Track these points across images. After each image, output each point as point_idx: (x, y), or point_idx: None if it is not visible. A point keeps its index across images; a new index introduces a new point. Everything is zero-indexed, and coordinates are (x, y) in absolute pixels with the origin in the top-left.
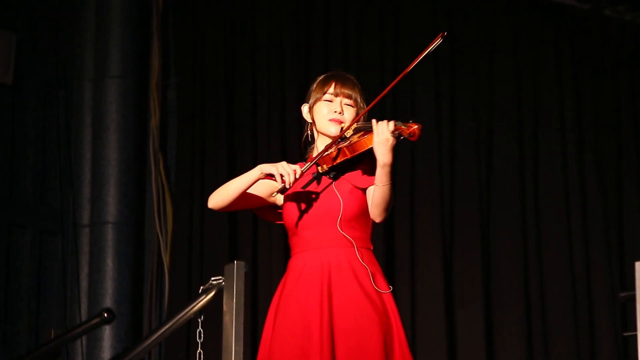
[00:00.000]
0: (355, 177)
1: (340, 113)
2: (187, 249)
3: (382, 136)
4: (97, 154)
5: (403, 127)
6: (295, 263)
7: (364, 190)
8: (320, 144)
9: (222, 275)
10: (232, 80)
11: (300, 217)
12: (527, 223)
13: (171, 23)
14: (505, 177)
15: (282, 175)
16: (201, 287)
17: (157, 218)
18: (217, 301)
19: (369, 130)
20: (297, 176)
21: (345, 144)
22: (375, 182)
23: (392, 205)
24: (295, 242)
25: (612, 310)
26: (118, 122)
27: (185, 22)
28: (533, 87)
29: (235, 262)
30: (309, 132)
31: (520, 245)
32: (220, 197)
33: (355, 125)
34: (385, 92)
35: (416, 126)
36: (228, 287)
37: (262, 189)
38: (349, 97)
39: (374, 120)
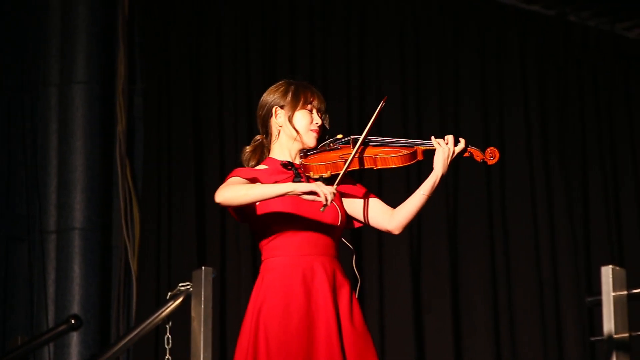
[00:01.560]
0: (348, 190)
1: (320, 126)
2: (155, 254)
3: (449, 154)
4: (64, 159)
5: (477, 150)
6: (283, 266)
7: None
8: (290, 149)
9: (190, 281)
10: (198, 85)
11: (290, 221)
12: (494, 228)
13: (137, 29)
14: (472, 183)
15: (325, 194)
16: (169, 293)
17: (124, 224)
18: (185, 307)
19: (397, 145)
20: (335, 192)
21: (369, 154)
22: (421, 190)
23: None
24: (280, 246)
25: (579, 315)
26: (84, 127)
27: (150, 27)
28: (498, 91)
29: (203, 268)
30: (275, 133)
31: (487, 250)
32: (236, 197)
33: (355, 140)
34: (347, 165)
35: (493, 148)
36: (196, 293)
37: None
38: (324, 112)
39: (433, 138)
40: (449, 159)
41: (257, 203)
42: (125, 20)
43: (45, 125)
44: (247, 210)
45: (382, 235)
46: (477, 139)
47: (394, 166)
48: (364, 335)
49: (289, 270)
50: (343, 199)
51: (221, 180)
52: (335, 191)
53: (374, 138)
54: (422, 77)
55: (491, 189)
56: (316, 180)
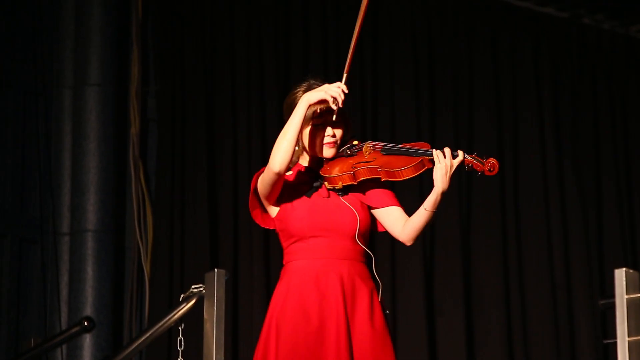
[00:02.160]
0: (368, 196)
1: (333, 136)
2: (168, 257)
3: (448, 169)
4: (77, 162)
5: (476, 161)
6: (301, 270)
7: (370, 208)
8: (311, 158)
9: (203, 284)
10: (212, 87)
11: (309, 226)
12: (507, 231)
13: (150, 31)
14: (485, 186)
15: (333, 97)
16: (182, 295)
17: (137, 226)
18: (197, 309)
19: (405, 154)
20: (346, 90)
21: (376, 165)
22: (425, 206)
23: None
24: (299, 250)
25: (592, 318)
26: (98, 130)
27: (164, 30)
28: (512, 94)
29: (215, 270)
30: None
31: (500, 254)
32: (282, 149)
33: (368, 144)
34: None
35: (493, 160)
36: (209, 295)
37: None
38: (338, 115)
39: (434, 151)
40: (448, 175)
41: (276, 211)
42: (139, 23)
43: (59, 128)
44: (270, 214)
45: (395, 239)
46: (490, 144)
47: (401, 179)
48: (383, 339)
49: (305, 274)
50: (365, 202)
51: (234, 182)
52: (342, 87)
53: (387, 145)
54: (435, 80)
55: (504, 192)
56: (330, 190)
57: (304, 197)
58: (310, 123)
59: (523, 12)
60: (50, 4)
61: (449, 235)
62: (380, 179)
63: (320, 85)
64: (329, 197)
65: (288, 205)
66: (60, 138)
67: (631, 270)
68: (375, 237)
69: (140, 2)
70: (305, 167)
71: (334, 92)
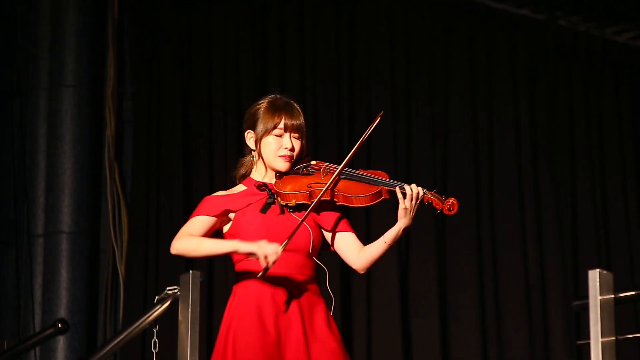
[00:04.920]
0: (322, 218)
1: (290, 149)
2: (143, 258)
3: (411, 208)
4: (52, 163)
5: (435, 198)
6: (254, 286)
7: (322, 228)
8: (265, 172)
9: (178, 285)
10: (188, 89)
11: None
12: (482, 232)
13: (127, 32)
14: (461, 185)
15: (265, 257)
16: (156, 297)
17: (112, 228)
18: (172, 311)
19: (364, 181)
20: (279, 254)
21: (336, 189)
22: (385, 238)
23: None
24: (255, 264)
25: (566, 319)
26: (73, 131)
27: (140, 31)
28: (488, 95)
29: (190, 272)
30: (252, 158)
31: (475, 255)
32: (187, 251)
33: (325, 167)
34: (338, 171)
35: (452, 199)
36: (184, 296)
37: (213, 226)
38: (297, 130)
39: (397, 189)
40: (412, 213)
41: (228, 226)
42: (115, 24)
43: (34, 129)
44: (220, 231)
45: (370, 238)
46: (466, 144)
47: (356, 206)
48: (340, 354)
49: (260, 290)
50: (319, 222)
51: (210, 184)
52: (279, 251)
53: (346, 170)
54: (412, 81)
55: (479, 193)
56: (283, 206)
57: (258, 213)
58: (271, 133)
59: (500, 14)
60: (26, 5)
61: (424, 237)
62: (336, 202)
63: (282, 100)
64: (282, 213)
65: (241, 220)
66: (35, 139)
67: (605, 272)
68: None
69: (116, 4)
70: (258, 182)
71: (267, 251)
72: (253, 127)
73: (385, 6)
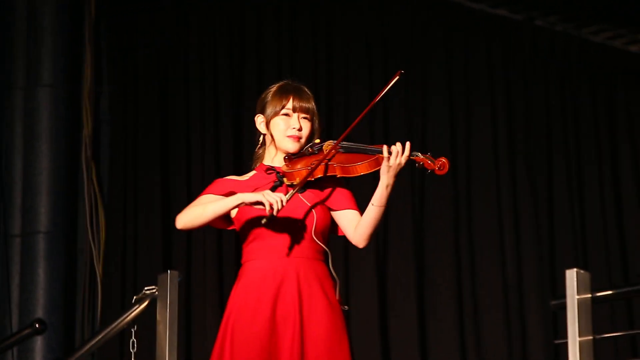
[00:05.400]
0: (326, 196)
1: (299, 129)
2: (120, 258)
3: (396, 165)
4: (29, 163)
5: (426, 159)
6: (257, 270)
7: (329, 209)
8: (274, 155)
9: (156, 285)
10: (165, 89)
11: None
12: (459, 231)
13: (103, 32)
14: (438, 185)
15: (270, 203)
16: (134, 297)
17: (90, 228)
18: (150, 311)
19: (361, 152)
20: (285, 203)
21: (333, 162)
22: (373, 201)
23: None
24: (256, 248)
25: (543, 319)
26: (49, 130)
27: (117, 30)
28: (465, 94)
29: (169, 271)
30: (261, 141)
31: (452, 254)
32: (193, 218)
33: (330, 142)
34: (347, 131)
35: (444, 160)
36: (162, 296)
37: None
38: (306, 111)
39: (385, 147)
40: (396, 171)
41: (235, 211)
42: (92, 23)
43: (11, 128)
44: (226, 218)
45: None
46: (443, 143)
47: (356, 175)
48: (339, 337)
49: (261, 274)
50: (325, 203)
51: (187, 183)
52: (284, 199)
53: (344, 144)
54: (389, 80)
55: (457, 192)
56: (289, 185)
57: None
58: (279, 114)
59: (476, 14)
60: (1, 3)
61: (402, 236)
62: (336, 175)
63: (292, 84)
64: (285, 193)
65: (244, 207)
66: (12, 139)
67: (582, 271)
68: (330, 239)
69: (93, 3)
70: (268, 166)
71: (272, 199)
72: (262, 111)
73: (361, 6)
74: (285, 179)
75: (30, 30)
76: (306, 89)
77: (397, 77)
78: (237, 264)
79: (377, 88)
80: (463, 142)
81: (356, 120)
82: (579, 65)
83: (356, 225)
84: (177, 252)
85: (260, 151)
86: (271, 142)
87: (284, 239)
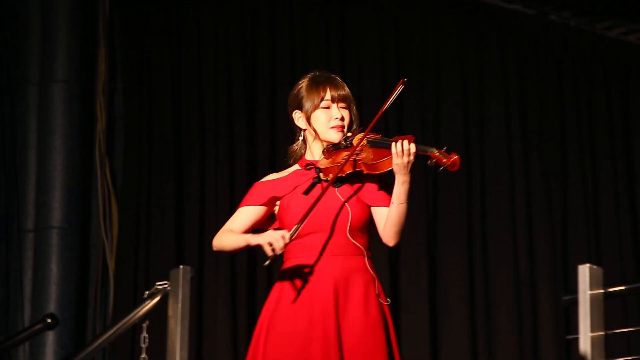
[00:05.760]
0: (364, 192)
1: (341, 119)
2: (133, 254)
3: (404, 159)
4: (43, 158)
5: (440, 155)
6: (295, 268)
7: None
8: (316, 149)
9: (168, 280)
10: (179, 84)
11: (304, 224)
12: (472, 228)
13: (117, 28)
14: (452, 183)
15: (270, 245)
16: (146, 292)
17: (103, 223)
18: (162, 306)
19: (386, 147)
20: (288, 240)
21: (360, 157)
22: (392, 199)
23: (404, 227)
24: (295, 247)
25: (555, 314)
26: (63, 126)
27: (131, 26)
28: (479, 91)
29: (181, 267)
30: (301, 138)
31: (465, 250)
32: (223, 248)
33: (360, 136)
34: (367, 131)
35: (456, 157)
36: (174, 292)
37: (263, 213)
38: (344, 99)
39: (394, 144)
40: (406, 168)
41: (277, 208)
42: (106, 19)
43: (25, 124)
44: (271, 216)
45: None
46: (457, 141)
47: (381, 172)
48: (375, 331)
49: (299, 272)
50: (361, 198)
51: (200, 179)
52: (286, 240)
53: (370, 138)
54: (402, 77)
55: (471, 189)
56: (325, 181)
57: (301, 195)
58: (319, 107)
59: (490, 9)
60: (16, 0)
61: (415, 233)
62: (362, 171)
63: (322, 75)
64: (322, 190)
65: (285, 203)
66: (26, 135)
67: (594, 267)
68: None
69: None
70: (307, 161)
71: (270, 239)
72: (300, 107)
73: (375, 2)
74: (322, 175)
75: (44, 26)
76: (338, 77)
77: (401, 86)
78: (249, 260)
79: (390, 83)
80: (476, 138)
81: (369, 127)
82: (593, 60)
83: (384, 223)
84: (189, 247)
85: (297, 147)
86: (314, 137)
87: (321, 236)
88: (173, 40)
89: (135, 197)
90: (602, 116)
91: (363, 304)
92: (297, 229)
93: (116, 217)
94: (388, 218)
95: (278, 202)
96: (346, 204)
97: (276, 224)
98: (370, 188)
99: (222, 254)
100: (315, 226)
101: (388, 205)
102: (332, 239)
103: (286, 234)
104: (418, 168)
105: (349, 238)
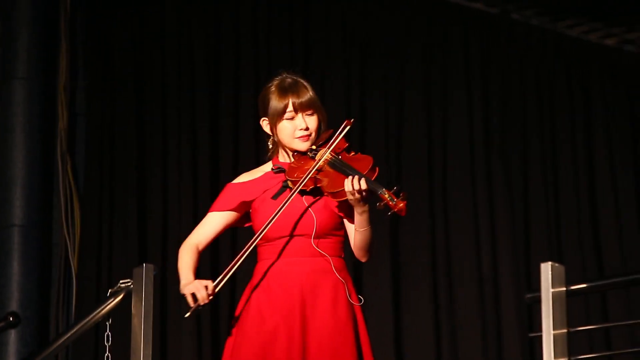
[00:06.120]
0: (333, 201)
1: (306, 129)
2: (96, 252)
3: (356, 195)
4: (3, 156)
5: (388, 198)
6: (264, 269)
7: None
8: (286, 154)
9: (131, 279)
10: (142, 82)
11: (272, 227)
12: (435, 224)
13: (79, 24)
14: (414, 178)
15: (193, 295)
16: (110, 290)
17: (65, 221)
18: (125, 304)
19: (345, 174)
20: (211, 291)
21: (319, 179)
22: (355, 227)
23: (374, 244)
24: (266, 250)
25: (518, 312)
26: (24, 123)
27: (93, 23)
28: (442, 89)
29: (144, 265)
30: (271, 143)
31: (428, 247)
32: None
33: (322, 152)
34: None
35: (402, 204)
36: (137, 290)
37: (231, 219)
38: (309, 106)
39: (346, 181)
40: (361, 201)
41: (251, 210)
42: (68, 15)
43: None
44: (246, 216)
45: None
46: (420, 137)
47: (338, 201)
48: (344, 331)
49: (267, 275)
50: (330, 206)
51: (163, 177)
52: (209, 291)
53: (333, 159)
54: (367, 73)
55: (433, 185)
56: (285, 187)
57: (270, 200)
58: (283, 118)
59: (453, 7)
60: None
61: (377, 229)
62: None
63: (287, 81)
64: (290, 198)
65: (256, 207)
66: None
67: (557, 264)
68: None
69: None
70: (277, 165)
71: (196, 291)
72: (266, 114)
73: None
74: (289, 182)
75: (4, 23)
76: (302, 81)
77: (348, 127)
78: (212, 260)
79: (355, 82)
80: (439, 136)
81: (330, 143)
82: (555, 59)
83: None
84: (152, 246)
85: (270, 152)
86: (278, 141)
87: (289, 240)
88: (136, 37)
89: (98, 194)
90: (563, 114)
91: (331, 306)
92: (221, 280)
93: (78, 215)
94: (355, 242)
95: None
96: (310, 210)
97: (253, 228)
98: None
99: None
100: (283, 230)
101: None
102: (300, 243)
103: (210, 284)
104: (379, 165)
105: (317, 243)
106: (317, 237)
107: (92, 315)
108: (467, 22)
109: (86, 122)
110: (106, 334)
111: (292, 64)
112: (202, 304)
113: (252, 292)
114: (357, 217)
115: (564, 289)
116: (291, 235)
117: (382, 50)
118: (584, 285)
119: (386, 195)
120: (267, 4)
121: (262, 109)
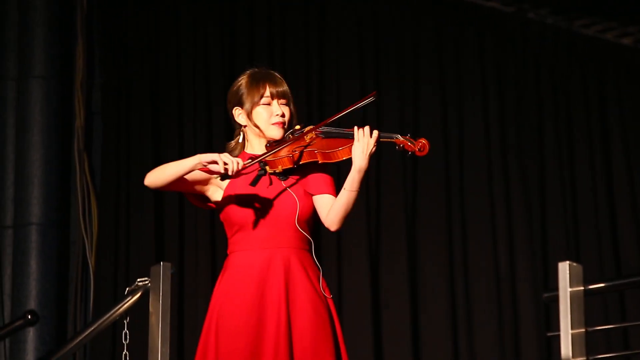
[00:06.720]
0: (308, 182)
1: (282, 115)
2: (113, 250)
3: (364, 140)
4: (21, 154)
5: (405, 140)
6: (242, 261)
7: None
8: (257, 144)
9: (149, 277)
10: (157, 80)
11: (250, 215)
12: (452, 223)
13: (95, 23)
14: (431, 177)
15: (225, 163)
16: (127, 289)
17: (82, 219)
18: (143, 302)
19: (342, 137)
20: (240, 167)
21: (313, 147)
22: (345, 185)
23: (350, 213)
24: (241, 239)
25: (535, 311)
26: (42, 122)
27: (109, 22)
28: (457, 88)
29: (161, 263)
30: (241, 134)
31: (446, 246)
32: (156, 177)
33: (310, 128)
34: (326, 121)
35: (423, 139)
36: (154, 288)
37: (199, 177)
38: (283, 96)
39: (355, 128)
40: (366, 152)
41: (221, 196)
42: (84, 14)
43: (3, 120)
44: (202, 197)
45: (340, 230)
46: (436, 138)
47: (338, 160)
48: (324, 326)
49: (246, 266)
50: (305, 188)
51: None
52: (240, 163)
53: (324, 128)
54: (381, 73)
55: (450, 186)
56: (272, 174)
57: (248, 186)
58: (259, 104)
59: (468, 6)
60: None
61: (395, 228)
62: (317, 161)
63: (261, 72)
64: (271, 184)
65: (231, 195)
66: (4, 130)
67: (574, 264)
68: (322, 230)
69: None
70: (250, 155)
71: (227, 160)
72: (240, 104)
73: None
74: (267, 167)
75: (21, 21)
76: (277, 74)
77: (372, 98)
78: (212, 252)
79: (369, 80)
80: (455, 135)
81: (324, 122)
82: (570, 58)
83: (329, 209)
84: (169, 243)
85: (234, 143)
86: (255, 133)
87: (268, 228)
88: (151, 34)
89: (115, 192)
90: (579, 113)
91: (311, 299)
92: (246, 166)
93: (95, 212)
94: (336, 203)
95: (222, 187)
96: (295, 196)
97: (211, 205)
98: (314, 178)
99: (202, 250)
100: (264, 219)
101: (331, 193)
102: (280, 232)
103: (240, 160)
104: (396, 167)
105: (298, 230)
106: (299, 222)
107: (109, 314)
108: (482, 21)
109: (102, 120)
110: (124, 332)
111: (307, 60)
112: (229, 174)
113: (228, 285)
114: (353, 174)
115: (582, 288)
116: (271, 224)
117: (397, 49)
118: (602, 285)
119: (401, 138)
120: (281, 5)
121: (235, 100)
